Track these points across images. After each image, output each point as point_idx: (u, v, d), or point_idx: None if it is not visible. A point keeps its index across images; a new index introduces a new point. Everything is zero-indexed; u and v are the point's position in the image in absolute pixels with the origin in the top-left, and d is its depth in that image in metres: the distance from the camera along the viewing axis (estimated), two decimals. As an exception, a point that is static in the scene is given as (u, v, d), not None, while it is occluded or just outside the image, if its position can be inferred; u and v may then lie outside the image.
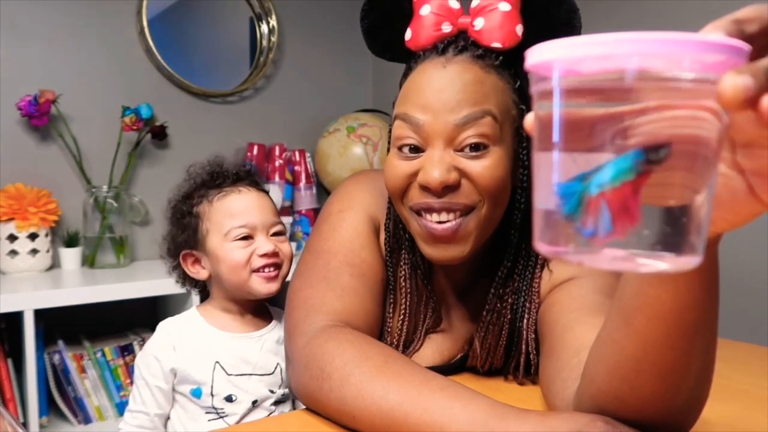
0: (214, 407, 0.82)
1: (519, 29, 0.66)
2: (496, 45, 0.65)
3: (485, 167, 0.64)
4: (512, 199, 0.70)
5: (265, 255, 0.85)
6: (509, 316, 0.73)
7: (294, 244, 2.01)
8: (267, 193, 0.93)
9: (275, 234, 0.88)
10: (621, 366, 0.49)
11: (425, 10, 0.67)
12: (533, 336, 0.73)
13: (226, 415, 0.82)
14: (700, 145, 0.29)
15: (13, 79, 1.74)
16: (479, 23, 0.66)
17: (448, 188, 0.64)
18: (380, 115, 2.25)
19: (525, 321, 0.73)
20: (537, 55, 0.29)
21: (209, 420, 0.82)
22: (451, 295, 0.79)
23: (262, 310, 0.92)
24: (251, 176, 0.92)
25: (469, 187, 0.64)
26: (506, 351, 0.76)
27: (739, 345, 0.94)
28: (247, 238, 0.85)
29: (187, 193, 0.90)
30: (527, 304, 0.73)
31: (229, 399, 0.82)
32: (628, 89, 0.28)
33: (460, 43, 0.66)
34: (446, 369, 0.75)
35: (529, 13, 0.66)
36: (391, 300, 0.76)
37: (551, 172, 0.30)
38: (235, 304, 0.88)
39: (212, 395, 0.82)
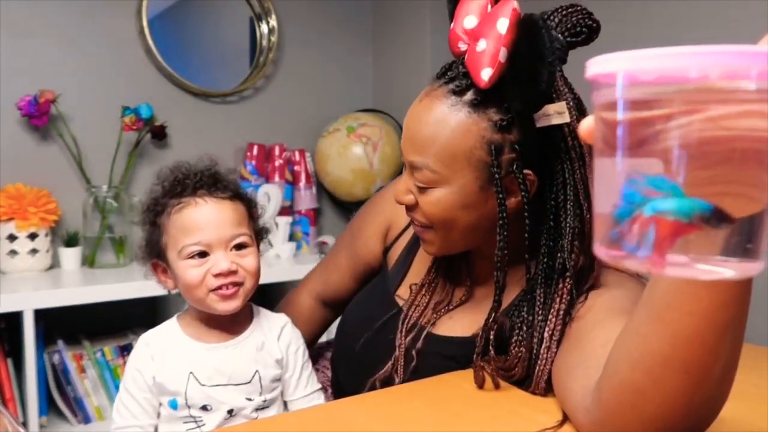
0: (191, 416, 0.80)
1: (485, 74, 0.66)
2: (477, 80, 0.68)
3: (425, 202, 0.74)
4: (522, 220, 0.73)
5: (220, 275, 0.79)
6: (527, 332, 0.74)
7: (293, 244, 2.02)
8: (238, 197, 0.84)
9: (237, 246, 0.81)
10: (646, 359, 0.49)
11: (453, 24, 0.71)
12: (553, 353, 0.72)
13: (204, 424, 0.81)
14: (763, 150, 0.29)
15: (13, 79, 1.74)
16: (467, 55, 0.69)
17: (409, 206, 0.77)
18: (380, 115, 2.25)
19: (544, 341, 0.72)
20: (598, 66, 0.30)
21: (187, 430, 0.81)
22: (479, 278, 0.85)
23: (242, 311, 0.86)
24: (216, 182, 0.83)
25: (420, 211, 0.76)
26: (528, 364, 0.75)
27: (739, 345, 0.94)
28: (203, 254, 0.79)
29: (154, 200, 0.84)
30: (548, 323, 0.73)
31: (204, 408, 0.80)
32: (692, 101, 0.28)
33: (459, 68, 0.71)
34: (459, 342, 0.80)
35: (513, 57, 0.65)
36: (427, 277, 0.86)
37: (610, 178, 0.30)
38: (206, 313, 0.84)
39: (188, 406, 0.80)
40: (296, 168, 2.18)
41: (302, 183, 2.17)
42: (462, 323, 0.83)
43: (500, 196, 0.71)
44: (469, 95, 0.70)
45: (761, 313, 1.40)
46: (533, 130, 0.69)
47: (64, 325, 1.66)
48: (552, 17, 0.71)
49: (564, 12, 0.71)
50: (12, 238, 1.66)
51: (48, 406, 1.59)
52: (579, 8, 0.71)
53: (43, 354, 1.56)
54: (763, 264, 0.30)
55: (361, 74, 2.42)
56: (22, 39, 1.76)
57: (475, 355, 0.76)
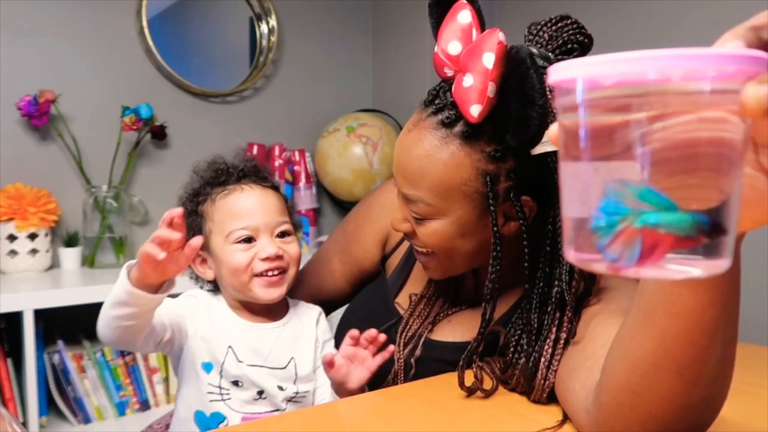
0: (219, 387, 0.80)
1: (474, 110, 0.63)
2: (466, 115, 0.65)
3: (424, 233, 0.73)
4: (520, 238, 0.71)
5: (267, 259, 0.81)
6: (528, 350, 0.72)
7: (294, 244, 2.02)
8: (276, 188, 0.88)
9: (282, 234, 0.84)
10: (640, 361, 0.50)
11: (437, 47, 0.69)
12: (554, 369, 0.70)
13: (229, 398, 0.80)
14: (725, 147, 0.29)
15: (13, 79, 1.74)
16: (454, 87, 0.66)
17: (407, 234, 0.76)
18: (380, 115, 2.25)
19: (544, 358, 0.70)
20: (560, 72, 0.30)
21: (210, 401, 0.80)
22: (473, 282, 0.85)
23: (279, 304, 0.88)
24: (257, 172, 0.87)
25: (419, 239, 0.75)
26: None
27: (739, 345, 0.94)
28: (249, 240, 0.81)
29: (193, 190, 0.86)
30: (550, 342, 0.70)
31: (235, 383, 0.81)
32: (651, 102, 0.28)
33: (447, 97, 0.68)
34: (461, 347, 0.79)
35: (503, 91, 0.63)
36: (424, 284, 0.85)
37: (577, 181, 0.31)
38: (243, 304, 0.86)
39: (221, 375, 0.80)
40: (296, 168, 2.18)
41: (302, 183, 2.18)
42: (462, 328, 0.82)
43: (495, 228, 0.69)
44: (459, 127, 0.67)
45: (761, 313, 1.40)
46: (529, 157, 0.66)
47: (64, 325, 1.66)
48: (541, 32, 0.68)
49: (554, 27, 0.68)
50: (12, 238, 1.66)
51: (48, 406, 1.59)
52: (569, 22, 0.68)
53: (43, 354, 1.56)
54: (729, 261, 0.30)
55: (361, 74, 2.42)
56: (22, 39, 1.76)
57: (460, 365, 0.74)
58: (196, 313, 0.82)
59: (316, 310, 0.92)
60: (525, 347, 0.71)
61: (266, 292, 0.82)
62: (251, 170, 0.87)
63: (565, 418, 0.65)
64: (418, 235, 0.74)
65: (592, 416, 0.57)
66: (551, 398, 0.70)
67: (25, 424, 1.45)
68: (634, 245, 0.29)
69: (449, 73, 0.68)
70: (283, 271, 0.83)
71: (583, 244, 0.31)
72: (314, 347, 0.88)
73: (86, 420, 1.62)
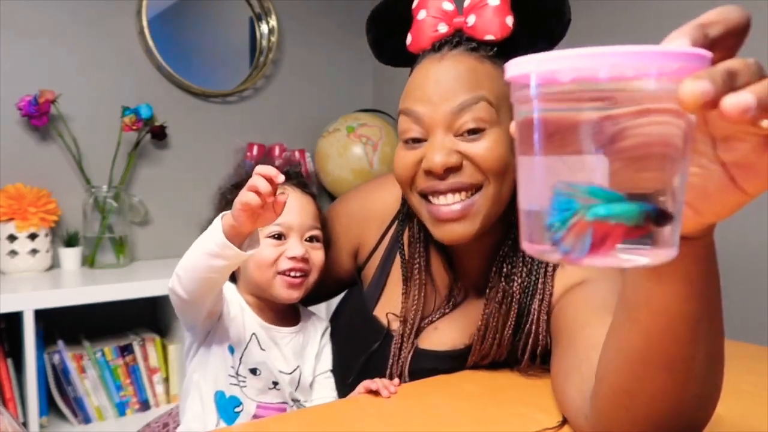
0: (237, 373, 0.82)
1: (509, 20, 0.71)
2: (489, 37, 0.71)
3: (484, 148, 0.68)
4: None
5: (293, 258, 0.83)
6: (517, 297, 0.76)
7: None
8: (313, 196, 0.91)
9: (310, 239, 0.87)
10: (629, 361, 0.50)
11: (422, 15, 0.74)
12: (545, 317, 0.75)
13: (245, 386, 0.82)
14: (666, 145, 0.31)
15: (13, 79, 1.74)
16: (471, 20, 0.72)
17: (451, 170, 0.69)
18: (380, 115, 2.25)
19: (536, 302, 0.75)
20: (515, 68, 0.32)
21: (230, 383, 0.82)
22: (465, 284, 0.84)
23: (289, 311, 0.90)
24: (299, 177, 0.91)
25: (471, 168, 0.69)
26: (512, 337, 0.78)
27: (739, 345, 0.94)
28: (280, 236, 0.84)
29: (235, 183, 0.89)
30: (538, 285, 0.76)
31: (253, 371, 0.82)
32: (601, 98, 0.30)
33: (455, 40, 0.72)
34: (453, 356, 0.80)
35: (519, 5, 0.71)
36: (405, 288, 0.84)
37: (533, 176, 0.32)
38: (259, 299, 0.87)
39: (241, 361, 0.82)
40: (296, 168, 2.18)
41: (302, 183, 2.17)
42: (451, 335, 0.82)
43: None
44: (483, 52, 0.72)
45: (761, 313, 1.40)
46: None
47: (64, 325, 1.66)
48: None
49: None
50: (12, 238, 1.66)
51: (48, 406, 1.59)
52: None
53: (43, 354, 1.56)
54: (676, 250, 0.32)
55: (361, 74, 2.43)
56: (22, 39, 1.76)
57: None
58: (227, 297, 0.84)
59: (324, 323, 0.94)
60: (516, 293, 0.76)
61: (286, 292, 0.84)
62: (294, 174, 0.90)
63: (566, 418, 0.65)
64: (474, 156, 0.68)
65: (591, 421, 0.57)
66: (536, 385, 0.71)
67: (25, 424, 1.46)
68: (585, 237, 0.30)
69: (443, 29, 0.72)
70: (305, 274, 0.85)
71: (537, 236, 0.32)
72: (314, 360, 0.89)
73: (86, 420, 1.62)
